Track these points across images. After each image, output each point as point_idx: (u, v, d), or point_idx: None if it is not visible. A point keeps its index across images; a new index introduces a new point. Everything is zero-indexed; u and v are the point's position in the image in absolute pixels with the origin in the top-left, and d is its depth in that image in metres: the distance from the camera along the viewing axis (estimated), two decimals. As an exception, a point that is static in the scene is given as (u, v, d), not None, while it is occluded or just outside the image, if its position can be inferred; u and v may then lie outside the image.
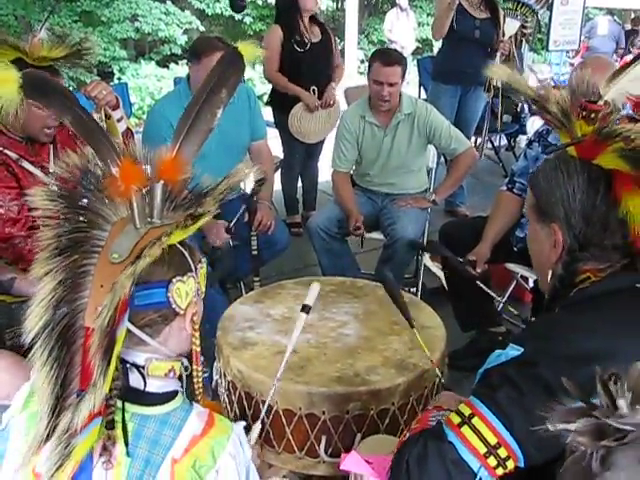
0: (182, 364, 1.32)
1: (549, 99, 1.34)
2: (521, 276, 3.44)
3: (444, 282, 3.57)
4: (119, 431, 1.18)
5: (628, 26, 11.09)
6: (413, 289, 3.71)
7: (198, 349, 1.30)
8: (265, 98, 4.96)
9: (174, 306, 1.22)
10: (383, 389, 2.00)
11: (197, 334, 1.28)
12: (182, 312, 1.24)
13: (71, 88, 8.94)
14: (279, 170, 4.77)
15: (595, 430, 0.79)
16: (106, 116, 2.52)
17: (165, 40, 12.22)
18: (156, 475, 1.18)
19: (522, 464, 1.15)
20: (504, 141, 6.84)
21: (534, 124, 6.38)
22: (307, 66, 4.46)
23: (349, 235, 3.43)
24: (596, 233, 1.28)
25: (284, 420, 2.01)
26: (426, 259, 3.87)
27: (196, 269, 1.26)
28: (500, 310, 3.41)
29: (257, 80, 11.95)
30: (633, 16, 11.40)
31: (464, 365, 3.04)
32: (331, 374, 2.05)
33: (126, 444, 1.18)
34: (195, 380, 1.34)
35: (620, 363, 1.10)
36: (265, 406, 1.94)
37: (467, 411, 1.18)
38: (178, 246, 1.23)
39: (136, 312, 1.20)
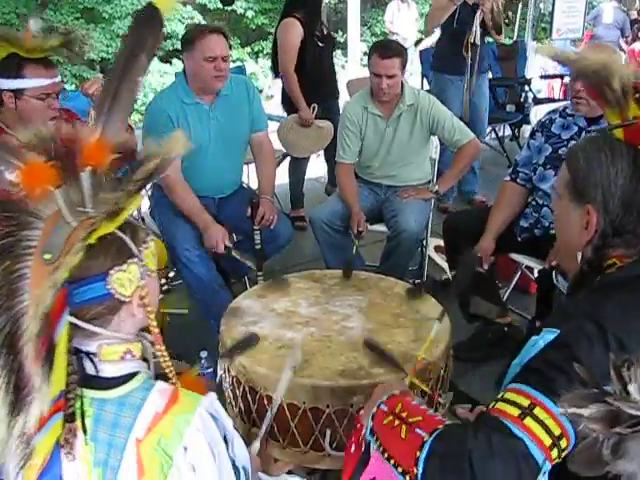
0: (143, 344, 1.30)
1: (614, 73, 1.28)
2: (526, 266, 3.42)
3: (449, 274, 3.57)
4: (79, 422, 1.18)
5: (634, 14, 10.99)
6: (418, 280, 3.69)
7: (156, 330, 1.27)
8: (268, 92, 4.99)
9: (117, 296, 1.19)
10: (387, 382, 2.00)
11: (152, 315, 1.26)
12: (128, 300, 1.21)
13: (73, 86, 8.94)
14: (281, 163, 4.77)
15: (608, 416, 0.78)
16: None
17: (167, 35, 12.20)
18: (122, 457, 1.17)
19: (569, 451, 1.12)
20: (508, 131, 6.80)
21: (537, 114, 6.35)
22: (325, 60, 4.63)
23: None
24: (632, 220, 1.25)
25: (288, 414, 2.01)
26: (430, 250, 3.86)
27: (140, 252, 1.22)
28: (505, 301, 3.40)
29: (260, 74, 11.95)
30: (638, 4, 11.30)
31: (469, 357, 3.05)
32: (335, 368, 2.04)
33: (84, 431, 1.18)
34: (161, 360, 1.31)
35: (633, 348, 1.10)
36: (274, 408, 1.93)
37: (525, 401, 1.11)
38: (116, 232, 1.18)
39: (79, 308, 1.18)
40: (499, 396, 1.18)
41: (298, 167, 4.94)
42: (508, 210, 3.02)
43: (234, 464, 1.28)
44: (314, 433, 2.02)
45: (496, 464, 1.07)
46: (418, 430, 1.21)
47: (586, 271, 1.30)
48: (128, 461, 1.17)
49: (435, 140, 3.65)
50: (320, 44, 4.55)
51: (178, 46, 3.14)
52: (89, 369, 1.22)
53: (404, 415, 1.30)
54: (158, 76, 11.01)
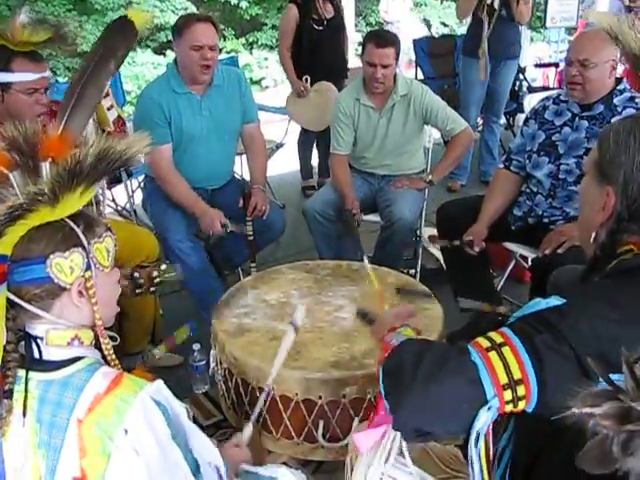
0: (93, 333, 1.31)
1: None
2: (520, 255, 3.41)
3: (443, 263, 3.55)
4: (20, 403, 1.20)
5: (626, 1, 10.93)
6: (412, 270, 3.68)
7: (100, 322, 1.30)
8: (263, 83, 5.04)
9: (57, 281, 1.22)
10: (380, 372, 1.99)
11: (97, 307, 1.28)
12: (69, 287, 1.24)
13: (66, 79, 8.89)
14: (272, 155, 4.78)
15: (620, 414, 0.77)
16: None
17: (161, 27, 12.13)
18: (64, 438, 1.18)
19: (531, 410, 1.11)
20: (502, 120, 6.77)
21: (531, 102, 6.32)
22: (326, 43, 4.76)
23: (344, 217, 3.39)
24: None
25: (281, 406, 2.00)
26: (425, 240, 3.85)
27: (89, 243, 1.26)
28: (499, 290, 3.39)
29: (255, 65, 11.90)
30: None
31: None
32: (327, 359, 2.03)
33: (24, 412, 1.20)
34: (106, 353, 1.33)
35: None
36: (270, 380, 1.91)
37: (499, 339, 1.12)
38: (67, 221, 1.24)
39: (19, 287, 1.22)
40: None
41: (306, 141, 5.24)
42: (502, 198, 3.00)
43: (194, 459, 1.28)
44: (307, 425, 2.01)
45: (442, 375, 1.10)
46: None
47: (599, 255, 1.27)
48: (70, 442, 1.18)
49: (429, 130, 3.62)
50: (318, 27, 4.74)
51: (171, 37, 3.11)
52: (35, 353, 1.25)
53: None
54: (152, 68, 10.94)
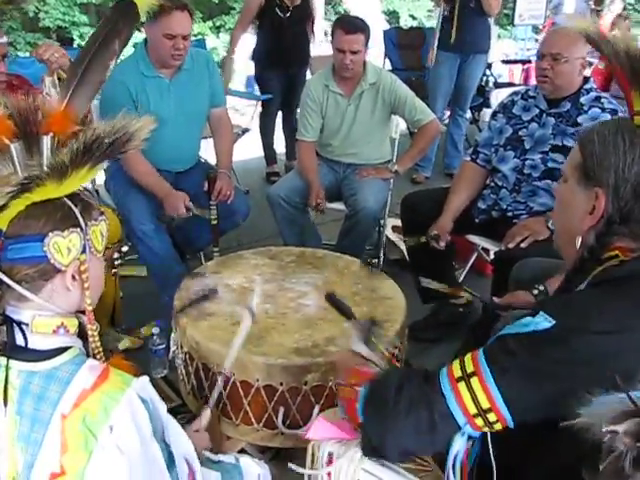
0: (79, 321, 1.28)
1: None
2: (482, 248, 3.44)
3: (406, 254, 3.56)
4: (1, 393, 1.16)
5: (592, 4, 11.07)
6: (375, 260, 3.68)
7: (90, 308, 1.26)
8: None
9: (53, 262, 1.18)
10: (342, 360, 1.98)
11: (88, 292, 1.24)
12: (64, 269, 1.20)
13: (27, 54, 8.68)
14: (238, 139, 4.76)
15: (637, 431, 0.78)
16: (59, 79, 2.42)
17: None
18: (45, 432, 1.14)
19: (512, 425, 1.12)
20: (468, 114, 6.82)
21: (498, 97, 6.38)
22: (288, 30, 4.76)
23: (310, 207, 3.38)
24: None
25: (241, 392, 1.98)
26: (388, 230, 3.86)
27: (86, 225, 1.22)
28: (461, 282, 3.41)
29: (221, 49, 11.77)
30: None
31: (424, 337, 3.05)
32: (289, 345, 2.02)
33: (5, 402, 1.16)
34: (91, 340, 1.29)
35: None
36: (227, 366, 1.89)
37: (470, 367, 1.14)
38: (66, 200, 1.20)
39: (11, 266, 1.17)
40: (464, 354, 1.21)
41: (267, 124, 5.24)
42: (467, 190, 3.01)
43: (170, 452, 1.25)
44: (267, 411, 2.00)
45: (419, 411, 1.14)
46: (357, 388, 1.29)
47: (586, 258, 1.27)
48: (51, 436, 1.14)
49: (396, 120, 3.62)
50: (282, 14, 4.74)
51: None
52: (19, 340, 1.20)
53: (352, 381, 1.35)
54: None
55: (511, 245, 2.60)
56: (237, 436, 2.08)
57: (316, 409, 1.99)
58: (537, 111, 2.81)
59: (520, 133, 2.84)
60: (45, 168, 1.16)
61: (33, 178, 1.12)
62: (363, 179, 3.40)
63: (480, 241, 3.13)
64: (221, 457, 1.48)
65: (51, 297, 1.22)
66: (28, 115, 1.17)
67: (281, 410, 1.99)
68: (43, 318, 1.21)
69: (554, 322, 1.12)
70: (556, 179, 2.73)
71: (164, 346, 2.58)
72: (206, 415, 1.77)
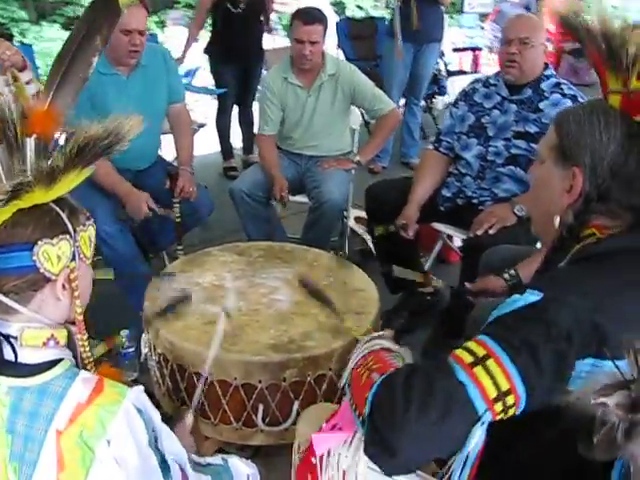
0: (69, 332, 1.23)
1: (630, 40, 1.23)
2: (447, 236, 3.45)
3: (371, 246, 3.57)
4: None
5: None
6: (340, 252, 3.67)
7: (80, 317, 1.21)
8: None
9: (42, 271, 1.12)
10: (320, 355, 1.97)
11: (78, 301, 1.19)
12: (54, 278, 1.15)
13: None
14: (195, 134, 4.71)
15: (630, 403, 0.77)
16: (14, 79, 2.33)
17: (69, 1, 11.65)
18: (40, 451, 1.09)
19: (519, 412, 1.10)
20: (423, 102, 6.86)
21: (454, 85, 6.43)
22: (241, 24, 4.70)
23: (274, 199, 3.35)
24: (619, 189, 1.23)
25: (219, 391, 1.95)
26: (351, 221, 3.85)
27: (75, 231, 1.17)
28: (427, 270, 3.42)
29: (167, 44, 11.59)
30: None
31: (395, 326, 3.04)
32: (266, 342, 1.99)
33: None
34: (82, 350, 1.24)
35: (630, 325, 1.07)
36: (207, 367, 1.86)
37: (481, 351, 1.10)
38: (52, 206, 1.15)
39: None
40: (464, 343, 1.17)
41: (223, 118, 5.19)
42: (431, 179, 3.01)
43: (164, 459, 1.21)
44: (246, 409, 1.98)
45: (432, 405, 1.07)
46: (374, 374, 1.23)
47: (565, 237, 1.29)
48: (47, 455, 1.09)
49: (356, 110, 3.61)
50: (233, 10, 4.68)
51: (80, 13, 2.97)
52: (7, 354, 1.13)
53: (370, 364, 1.31)
54: (60, 43, 10.48)
55: (479, 232, 2.61)
56: (216, 436, 2.05)
57: (295, 405, 1.98)
58: (499, 98, 2.83)
59: (482, 120, 2.86)
60: (30, 172, 1.10)
61: (23, 184, 1.06)
62: (326, 171, 3.38)
63: (446, 229, 3.14)
64: (209, 459, 1.45)
65: (40, 308, 1.16)
66: (6, 116, 1.11)
67: (260, 407, 1.97)
68: (32, 330, 1.15)
69: (542, 295, 1.13)
70: (520, 165, 2.76)
71: (133, 349, 2.52)
72: (189, 418, 1.74)
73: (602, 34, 1.26)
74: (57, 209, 1.15)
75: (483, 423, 1.07)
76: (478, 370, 1.08)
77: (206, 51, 5.01)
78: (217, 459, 1.47)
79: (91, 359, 1.24)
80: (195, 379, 1.94)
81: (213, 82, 5.19)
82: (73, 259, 1.17)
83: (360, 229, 3.94)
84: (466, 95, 2.97)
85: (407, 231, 2.87)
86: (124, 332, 2.54)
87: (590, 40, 1.28)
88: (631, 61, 1.21)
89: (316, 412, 1.61)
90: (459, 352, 1.13)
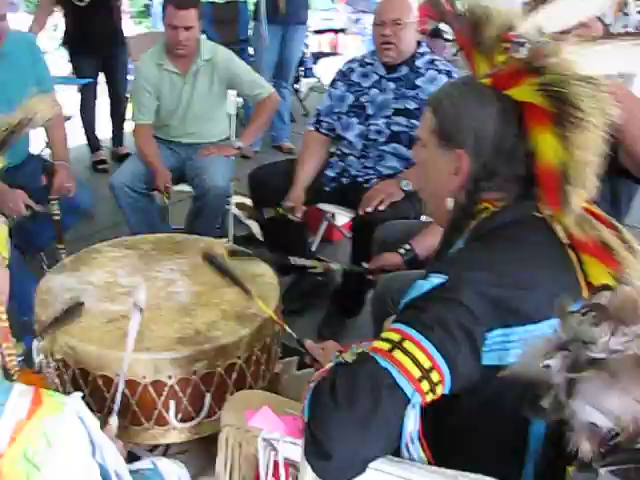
0: None
1: (493, 21, 1.27)
2: (331, 215, 3.50)
3: (255, 231, 3.56)
4: None
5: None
6: (225, 239, 3.63)
7: (5, 324, 1.16)
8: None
9: None
10: (229, 344, 1.93)
11: (2, 308, 1.14)
12: None
13: None
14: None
15: (569, 363, 0.81)
16: None
17: None
18: None
19: (447, 390, 1.12)
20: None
21: (321, 67, 6.49)
22: (90, 13, 4.52)
23: (155, 190, 3.26)
24: (503, 163, 1.26)
25: (128, 392, 1.87)
26: (234, 208, 3.81)
27: None
28: (315, 251, 3.46)
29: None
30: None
31: (289, 308, 3.06)
32: (172, 336, 1.93)
33: None
34: (8, 360, 1.19)
35: (539, 291, 1.13)
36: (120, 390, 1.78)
37: (396, 337, 1.11)
38: None
39: None
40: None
41: (87, 110, 4.99)
42: (314, 160, 3.04)
43: (105, 470, 1.14)
44: (157, 408, 1.91)
45: (359, 395, 1.07)
46: (311, 384, 1.21)
47: (460, 217, 1.32)
48: None
49: (232, 95, 3.57)
50: (79, 3, 4.50)
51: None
52: None
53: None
54: None
55: (369, 209, 2.66)
56: (126, 439, 1.97)
57: (207, 397, 1.94)
58: (376, 77, 2.88)
59: (362, 99, 2.90)
60: None
61: None
62: (207, 158, 3.32)
63: (333, 209, 3.18)
64: (138, 465, 1.39)
65: None
66: None
67: (172, 404, 1.91)
68: None
69: (446, 277, 1.15)
70: (401, 142, 2.83)
71: (22, 358, 2.37)
72: (115, 424, 1.66)
73: (468, 17, 1.30)
74: None
75: (414, 406, 1.09)
76: (397, 353, 1.10)
77: (63, 42, 4.81)
78: (146, 463, 1.41)
79: (17, 369, 1.15)
80: (101, 382, 1.86)
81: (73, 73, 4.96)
82: None
83: (244, 216, 3.91)
84: (343, 75, 3.00)
85: (295, 213, 2.88)
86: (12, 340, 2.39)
87: (458, 23, 1.33)
88: (494, 41, 1.26)
89: (241, 398, 1.61)
90: (376, 344, 1.15)
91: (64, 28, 4.79)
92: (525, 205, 1.28)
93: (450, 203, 1.33)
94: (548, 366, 0.83)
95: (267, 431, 1.24)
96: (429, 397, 1.11)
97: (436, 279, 1.15)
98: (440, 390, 1.11)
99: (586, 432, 0.81)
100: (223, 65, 3.33)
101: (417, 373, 1.08)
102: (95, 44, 4.64)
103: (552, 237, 1.25)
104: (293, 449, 1.22)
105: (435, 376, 1.09)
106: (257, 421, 1.27)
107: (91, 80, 4.74)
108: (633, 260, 1.23)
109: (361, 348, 1.61)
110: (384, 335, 1.15)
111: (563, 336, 0.85)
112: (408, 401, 1.08)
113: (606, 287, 0.91)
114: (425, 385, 1.09)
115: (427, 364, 1.08)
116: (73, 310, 2.00)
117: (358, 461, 1.09)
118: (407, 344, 1.10)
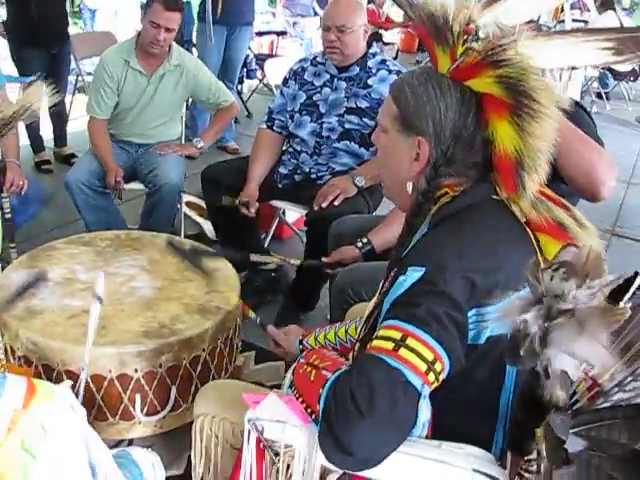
0: None
1: (454, 18, 1.31)
2: (282, 212, 3.54)
3: (207, 229, 3.57)
4: None
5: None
6: (178, 237, 3.62)
7: None
8: None
9: None
10: (194, 336, 1.96)
11: None
12: None
13: None
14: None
15: (543, 315, 0.88)
16: None
17: None
18: None
19: (446, 375, 1.17)
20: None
21: (269, 68, 6.49)
22: (37, 9, 4.38)
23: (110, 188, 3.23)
24: (462, 150, 1.31)
25: (93, 387, 1.87)
26: (184, 207, 3.81)
27: None
28: (267, 247, 3.49)
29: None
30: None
31: (245, 304, 3.08)
32: (136, 329, 1.95)
33: None
34: None
35: (507, 268, 1.20)
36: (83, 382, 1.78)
37: (397, 335, 1.15)
38: None
39: None
40: (375, 334, 1.21)
41: None
42: (267, 157, 3.07)
43: (90, 460, 1.16)
44: (123, 402, 1.91)
45: (378, 399, 1.10)
46: (325, 372, 1.25)
47: (421, 201, 1.36)
48: None
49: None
50: None
51: None
52: None
53: (316, 362, 1.32)
54: None
55: (324, 204, 2.71)
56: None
57: (173, 390, 1.96)
58: (328, 76, 2.94)
59: (314, 98, 2.95)
60: None
61: None
62: (159, 155, 3.33)
63: (285, 205, 3.21)
64: (112, 453, 1.40)
65: None
66: None
67: (138, 398, 1.91)
68: None
69: (424, 268, 1.19)
70: (354, 139, 2.89)
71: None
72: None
73: (428, 13, 1.34)
74: None
75: (425, 397, 1.13)
76: (402, 351, 1.13)
77: (6, 35, 4.63)
78: (120, 452, 1.42)
79: (4, 361, 1.15)
80: (65, 377, 1.85)
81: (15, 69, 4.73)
82: None
83: (193, 213, 3.91)
84: (295, 74, 3.05)
85: (249, 209, 2.91)
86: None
87: (419, 19, 1.38)
88: (456, 37, 1.31)
89: (214, 388, 1.63)
90: (376, 344, 1.18)
91: (3, 18, 4.61)
92: (484, 188, 1.34)
93: (409, 187, 1.38)
94: (525, 321, 0.90)
95: (277, 418, 1.25)
96: (434, 385, 1.16)
97: (415, 272, 1.19)
98: (442, 377, 1.16)
99: (559, 381, 0.89)
100: (191, 74, 3.37)
101: (423, 367, 1.13)
102: (43, 37, 4.44)
103: (511, 218, 1.33)
104: (279, 430, 1.25)
105: (438, 366, 1.14)
106: (264, 409, 1.26)
107: (37, 77, 4.60)
108: (584, 234, 1.32)
109: (323, 333, 1.67)
110: (383, 334, 1.18)
111: (536, 292, 0.92)
112: (419, 395, 1.12)
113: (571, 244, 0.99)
114: (431, 376, 1.14)
115: (430, 356, 1.13)
116: (36, 281, 2.00)
117: (379, 457, 1.13)
118: (410, 341, 1.14)
